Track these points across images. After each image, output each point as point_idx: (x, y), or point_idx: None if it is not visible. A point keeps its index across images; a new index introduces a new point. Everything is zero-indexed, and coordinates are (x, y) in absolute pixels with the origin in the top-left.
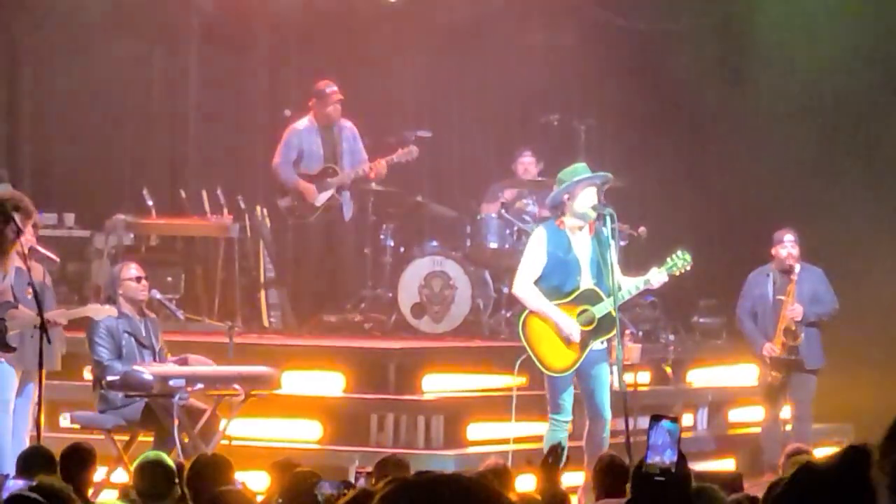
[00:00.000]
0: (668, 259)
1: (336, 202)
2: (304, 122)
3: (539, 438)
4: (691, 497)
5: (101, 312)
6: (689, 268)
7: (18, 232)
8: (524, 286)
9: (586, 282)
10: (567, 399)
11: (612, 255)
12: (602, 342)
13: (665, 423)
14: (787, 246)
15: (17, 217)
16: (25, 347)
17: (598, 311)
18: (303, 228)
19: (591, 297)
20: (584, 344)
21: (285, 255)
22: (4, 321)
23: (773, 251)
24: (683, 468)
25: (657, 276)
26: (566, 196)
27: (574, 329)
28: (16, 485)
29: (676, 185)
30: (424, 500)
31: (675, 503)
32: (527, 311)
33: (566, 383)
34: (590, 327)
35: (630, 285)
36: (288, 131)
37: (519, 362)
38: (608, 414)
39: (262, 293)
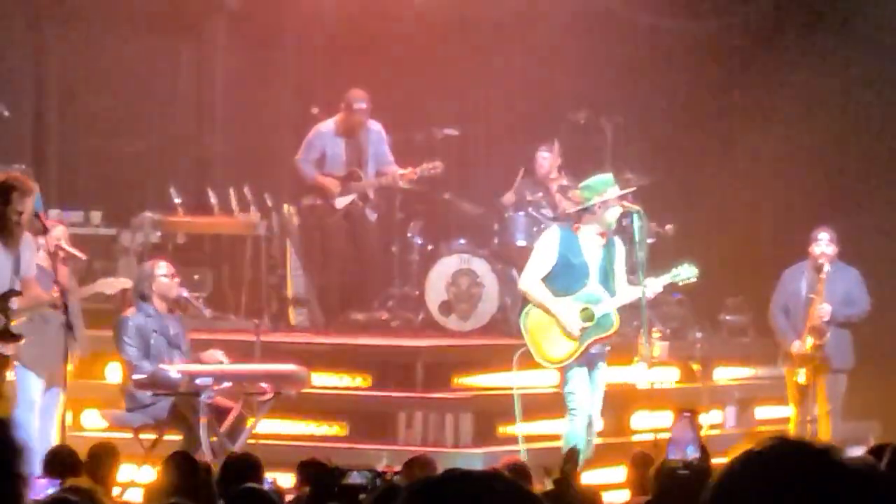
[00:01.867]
0: (674, 269)
1: (357, 207)
2: (328, 126)
3: (558, 437)
4: None
5: (113, 286)
6: (693, 280)
7: (21, 213)
8: (530, 281)
9: (592, 287)
10: (582, 393)
11: (640, 254)
12: (604, 345)
13: (686, 417)
14: (820, 244)
15: (14, 197)
16: (47, 348)
17: (599, 310)
18: (328, 226)
19: (593, 297)
20: (582, 339)
21: (312, 252)
22: (9, 311)
23: (809, 249)
24: (706, 462)
25: (653, 285)
26: (599, 206)
27: (575, 322)
28: (42, 485)
29: (704, 183)
30: (452, 495)
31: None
32: (530, 306)
33: (580, 377)
34: (589, 324)
35: (629, 293)
36: (313, 131)
37: (517, 356)
38: (596, 415)
39: (290, 291)
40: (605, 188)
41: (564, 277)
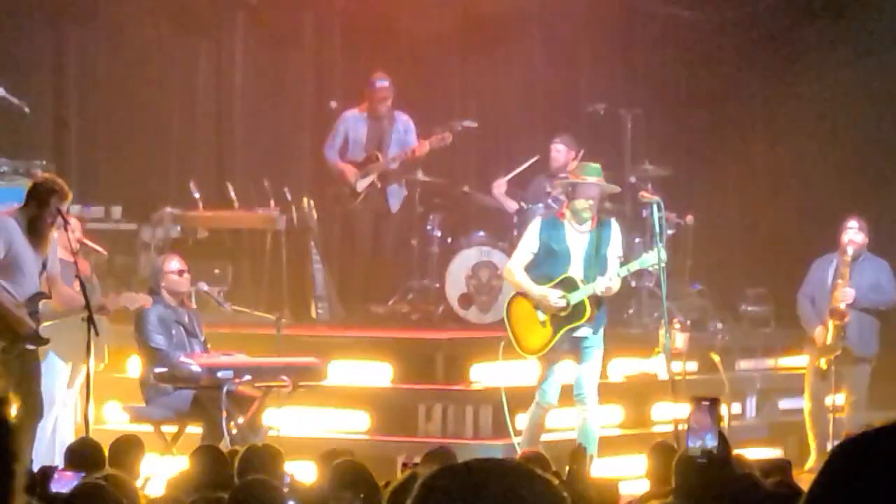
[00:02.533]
0: (644, 254)
1: (376, 189)
2: (353, 111)
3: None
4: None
5: (135, 301)
6: (662, 265)
7: (55, 216)
8: (511, 266)
9: (575, 273)
10: (551, 387)
11: (660, 245)
12: (594, 331)
13: (705, 406)
14: (849, 232)
15: (53, 200)
16: (75, 340)
17: (574, 297)
18: (348, 219)
19: (570, 285)
20: (556, 327)
21: (332, 246)
22: (38, 313)
23: (839, 237)
24: (725, 451)
25: (620, 273)
26: (569, 189)
27: (549, 299)
28: (69, 477)
29: (724, 173)
30: (468, 483)
31: (717, 486)
32: (513, 294)
33: (552, 369)
34: (564, 312)
35: (603, 282)
36: (339, 119)
37: (503, 346)
38: (592, 400)
39: (310, 285)
40: (583, 173)
41: (546, 264)
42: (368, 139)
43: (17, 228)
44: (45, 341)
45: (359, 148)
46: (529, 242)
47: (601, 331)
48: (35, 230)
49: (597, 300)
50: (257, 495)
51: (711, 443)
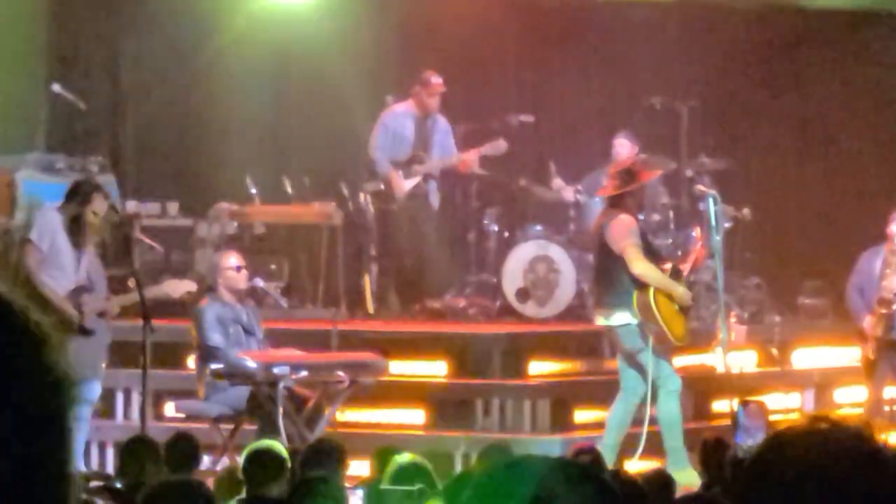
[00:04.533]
0: None
1: (422, 190)
2: (402, 107)
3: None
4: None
5: (179, 288)
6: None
7: (97, 214)
8: (646, 265)
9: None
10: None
11: (717, 238)
12: None
13: (753, 405)
14: None
15: (95, 197)
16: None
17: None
18: (392, 212)
19: (678, 276)
20: (686, 316)
21: (386, 241)
22: (82, 306)
23: (887, 229)
24: None
25: None
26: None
27: (686, 294)
28: None
29: (781, 166)
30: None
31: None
32: (651, 289)
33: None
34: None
35: None
36: (385, 113)
37: (651, 338)
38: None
39: (366, 280)
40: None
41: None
42: (415, 137)
43: (60, 224)
44: (92, 333)
45: (405, 145)
46: (637, 239)
47: None
48: (76, 227)
49: None
50: (318, 492)
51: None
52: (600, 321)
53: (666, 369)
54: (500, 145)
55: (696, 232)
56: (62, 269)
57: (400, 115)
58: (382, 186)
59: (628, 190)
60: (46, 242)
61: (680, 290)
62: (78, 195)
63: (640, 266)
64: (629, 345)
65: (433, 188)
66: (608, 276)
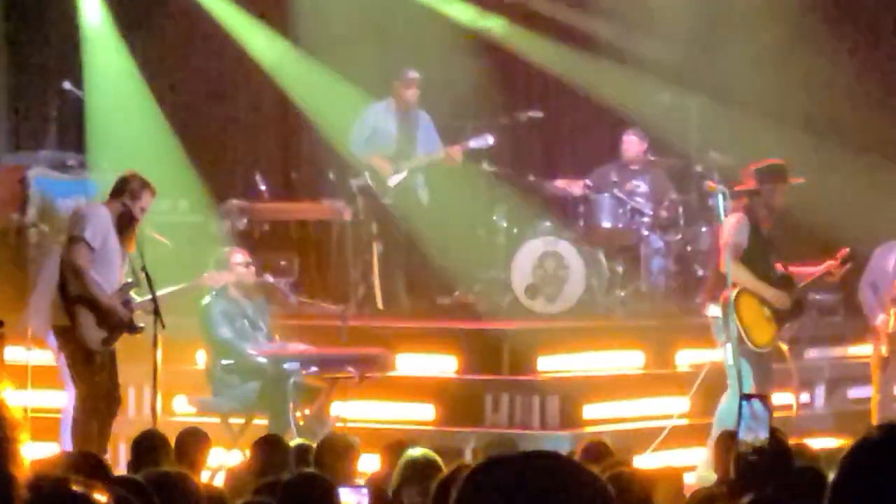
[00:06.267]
0: None
1: (410, 184)
2: (382, 103)
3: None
4: (794, 475)
5: (218, 280)
6: None
7: (144, 211)
8: (734, 264)
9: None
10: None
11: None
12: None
13: (755, 402)
14: None
15: (145, 195)
16: None
17: (794, 295)
18: (381, 208)
19: (788, 283)
20: (779, 323)
21: (386, 236)
22: (130, 302)
23: None
24: (779, 445)
25: None
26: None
27: (782, 298)
28: None
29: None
30: (509, 477)
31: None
32: (738, 289)
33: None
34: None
35: None
36: (365, 109)
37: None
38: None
39: (376, 276)
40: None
41: (752, 262)
42: (399, 133)
43: (111, 221)
44: (141, 329)
45: (390, 141)
46: (741, 239)
47: None
48: (124, 224)
49: None
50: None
51: (763, 438)
52: (706, 310)
53: (744, 371)
54: (485, 138)
55: (842, 254)
56: (112, 266)
57: (381, 111)
58: (369, 181)
59: (751, 189)
60: (99, 240)
61: (772, 294)
62: (126, 192)
63: (730, 265)
64: (716, 337)
65: (420, 183)
66: (717, 270)
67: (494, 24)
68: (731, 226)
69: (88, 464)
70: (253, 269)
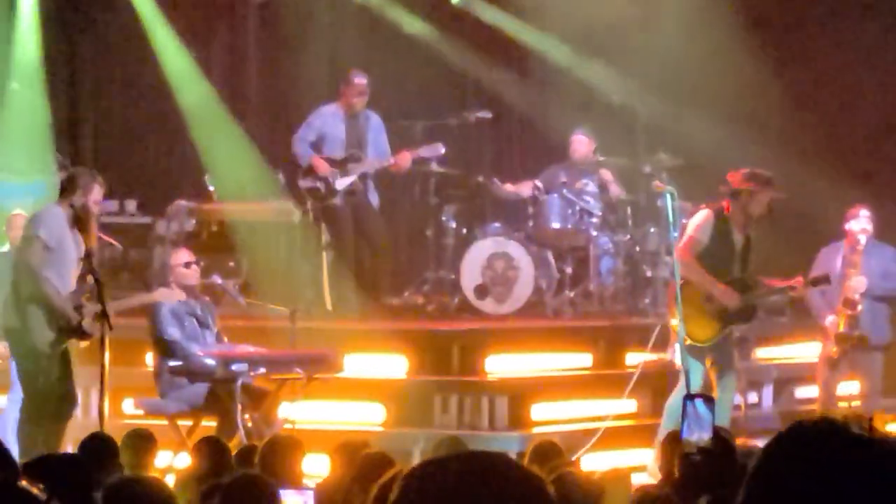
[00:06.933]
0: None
1: (359, 188)
2: (331, 107)
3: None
4: (739, 475)
5: (172, 297)
6: (674, 254)
7: (98, 205)
8: (687, 257)
9: (735, 274)
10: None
11: (674, 234)
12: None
13: (699, 401)
14: (861, 220)
15: (94, 189)
16: None
17: (748, 299)
18: (329, 210)
19: (744, 286)
20: (724, 323)
21: (336, 238)
22: (82, 307)
23: (846, 226)
24: (724, 445)
25: None
26: (748, 193)
27: (734, 301)
28: None
29: (738, 163)
30: (447, 478)
31: (720, 479)
32: (682, 283)
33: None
34: (736, 310)
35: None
36: (313, 113)
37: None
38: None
39: (324, 278)
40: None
41: (709, 259)
42: (348, 137)
43: (65, 219)
44: (90, 336)
45: (338, 145)
46: (701, 235)
47: None
48: (79, 221)
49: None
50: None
51: (706, 438)
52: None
53: (692, 369)
54: (436, 148)
55: (814, 278)
56: (68, 265)
57: (328, 115)
58: (316, 183)
59: (731, 190)
60: (55, 240)
61: (720, 291)
62: (78, 187)
63: (680, 259)
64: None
65: (370, 187)
66: None
67: (424, 29)
68: (695, 221)
69: None
70: (196, 269)
